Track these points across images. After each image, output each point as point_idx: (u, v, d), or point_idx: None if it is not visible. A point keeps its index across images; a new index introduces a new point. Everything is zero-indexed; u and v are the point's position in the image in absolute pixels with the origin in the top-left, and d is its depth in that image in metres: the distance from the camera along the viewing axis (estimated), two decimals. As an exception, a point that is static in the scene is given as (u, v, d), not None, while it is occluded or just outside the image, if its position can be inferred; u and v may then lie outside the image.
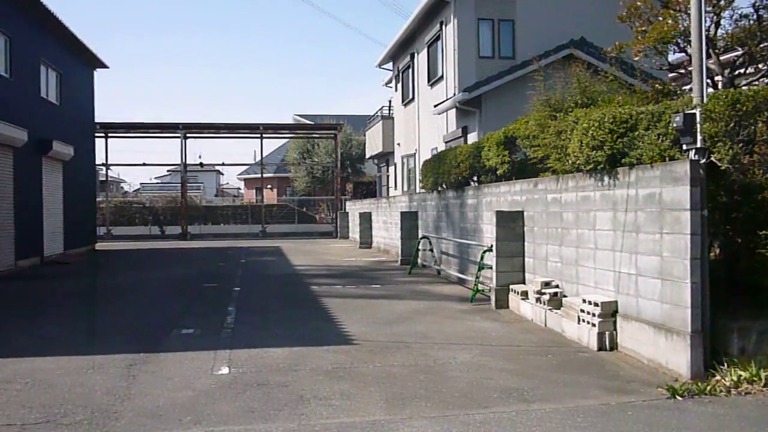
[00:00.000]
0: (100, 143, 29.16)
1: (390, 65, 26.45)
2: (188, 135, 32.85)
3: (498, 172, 11.33)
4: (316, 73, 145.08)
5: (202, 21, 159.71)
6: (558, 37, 17.21)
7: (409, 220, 17.02)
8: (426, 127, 21.26)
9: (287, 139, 45.79)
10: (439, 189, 15.02)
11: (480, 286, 10.90)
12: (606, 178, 7.48)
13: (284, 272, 15.87)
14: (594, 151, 7.45)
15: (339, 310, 10.00)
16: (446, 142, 18.72)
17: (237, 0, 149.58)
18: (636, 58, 9.15)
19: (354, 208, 29.06)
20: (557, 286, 8.66)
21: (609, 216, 7.43)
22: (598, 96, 9.28)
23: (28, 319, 9.77)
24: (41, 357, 7.07)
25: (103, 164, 32.44)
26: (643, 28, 8.82)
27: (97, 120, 26.36)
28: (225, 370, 6.43)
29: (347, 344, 7.58)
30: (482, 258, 10.74)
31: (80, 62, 23.24)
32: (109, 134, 32.47)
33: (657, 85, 8.82)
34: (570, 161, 8.14)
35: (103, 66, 24.86)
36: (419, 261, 15.94)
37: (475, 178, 13.02)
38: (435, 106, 18.78)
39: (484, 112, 17.05)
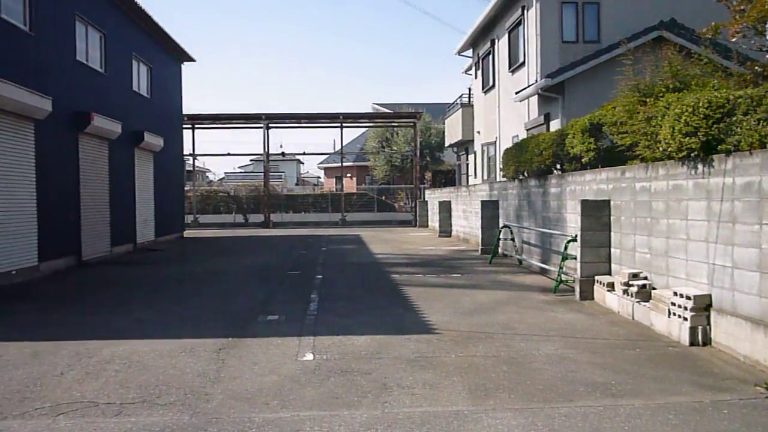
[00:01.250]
0: (187, 134, 30.17)
1: (470, 52, 26.16)
2: (270, 125, 33.57)
3: (583, 160, 11.04)
4: (395, 61, 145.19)
5: (282, 13, 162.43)
6: (646, 19, 16.57)
7: (489, 209, 16.84)
8: (507, 114, 20.95)
9: (366, 128, 46.14)
10: (521, 177, 14.78)
11: (563, 277, 10.69)
12: (700, 166, 7.16)
13: (365, 260, 16.02)
14: (687, 138, 7.14)
15: (420, 298, 10.02)
16: (528, 130, 18.38)
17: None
18: (733, 39, 8.66)
19: (433, 197, 29.00)
20: (645, 278, 8.38)
21: (703, 206, 7.11)
22: (691, 80, 8.86)
23: (125, 302, 10.25)
24: (137, 339, 7.41)
25: (190, 154, 33.58)
26: (742, 7, 8.35)
27: (184, 112, 27.30)
28: (309, 357, 6.56)
29: (429, 333, 7.59)
30: (566, 248, 10.51)
31: (169, 56, 24.11)
32: (196, 125, 33.59)
33: (756, 68, 8.33)
34: (660, 148, 7.84)
35: (191, 59, 25.72)
36: (500, 250, 15.77)
37: (558, 167, 12.74)
38: (516, 93, 18.47)
39: (567, 99, 16.63)
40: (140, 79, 20.76)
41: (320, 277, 12.85)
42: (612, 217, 9.65)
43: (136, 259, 17.24)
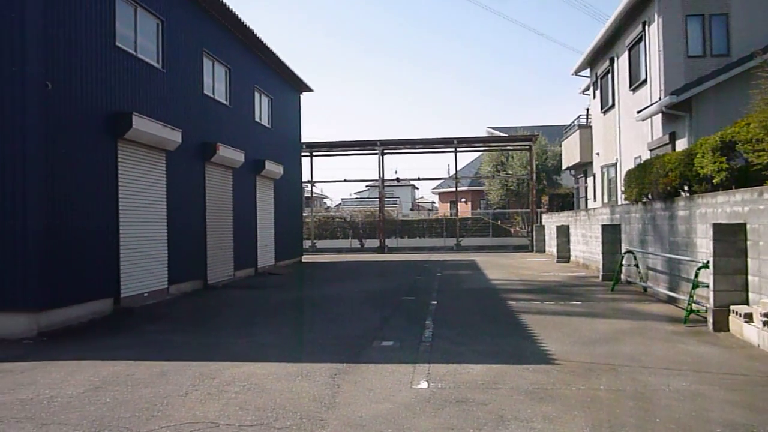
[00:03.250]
0: (305, 161, 31.13)
1: (587, 72, 25.43)
2: (385, 151, 34.04)
3: (714, 181, 10.34)
4: (510, 84, 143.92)
5: (394, 41, 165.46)
6: (782, 30, 15.46)
7: (610, 234, 16.15)
8: (628, 134, 20.11)
9: (481, 152, 45.81)
10: (644, 200, 14.07)
11: (694, 306, 10.00)
12: None
13: (480, 286, 15.76)
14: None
15: (538, 326, 9.69)
16: (651, 150, 17.54)
17: (426, 15, 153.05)
18: None
19: (550, 221, 28.24)
20: (789, 309, 7.67)
21: None
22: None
23: (246, 325, 10.60)
24: (256, 362, 7.59)
25: (308, 181, 34.60)
26: None
27: (302, 140, 28.21)
28: (424, 385, 6.46)
29: (548, 364, 7.29)
30: (697, 275, 9.84)
31: (289, 87, 25.06)
32: (314, 153, 34.62)
33: None
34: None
35: (309, 89, 26.61)
36: (623, 277, 15.04)
37: (686, 188, 12.01)
38: (638, 112, 17.70)
39: (694, 116, 15.74)
40: (261, 109, 21.69)
41: (435, 303, 12.75)
42: (749, 242, 8.94)
43: (257, 283, 17.84)
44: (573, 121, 28.72)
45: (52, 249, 9.89)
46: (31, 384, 6.81)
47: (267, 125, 22.25)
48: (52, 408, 5.94)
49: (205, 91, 16.60)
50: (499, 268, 21.30)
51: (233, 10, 17.15)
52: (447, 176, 47.86)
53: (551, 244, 26.78)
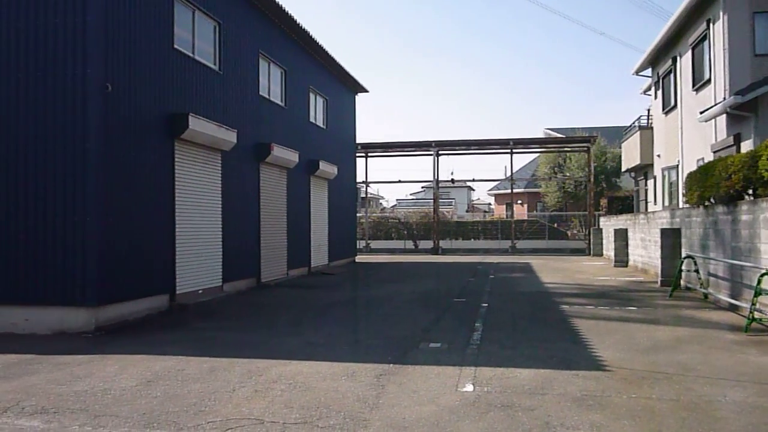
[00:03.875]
0: (360, 162, 31.29)
1: (648, 71, 24.75)
2: (440, 152, 33.92)
3: (779, 185, 9.90)
4: (568, 85, 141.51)
5: (450, 42, 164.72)
6: None
7: (670, 238, 15.66)
8: (690, 136, 19.48)
9: (537, 154, 45.20)
10: (706, 204, 13.59)
11: (756, 315, 9.60)
12: None
13: (533, 290, 15.52)
14: None
15: (590, 332, 9.46)
16: (714, 152, 16.93)
17: (483, 18, 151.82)
18: None
19: (608, 224, 27.61)
20: None
21: None
22: None
23: (296, 324, 10.70)
24: (303, 360, 7.64)
25: (363, 182, 34.75)
26: None
27: (357, 140, 28.34)
28: (469, 388, 6.37)
29: (599, 370, 7.10)
30: (759, 282, 9.44)
31: (344, 88, 25.22)
32: (369, 153, 34.76)
33: None
34: None
35: (364, 90, 26.73)
36: (682, 283, 14.57)
37: (750, 192, 11.54)
38: (701, 112, 17.11)
39: (761, 117, 15.11)
40: (316, 110, 21.89)
41: (486, 305, 12.61)
42: (816, 249, 8.52)
43: (310, 282, 18.00)
44: (633, 122, 28.01)
45: (110, 247, 10.18)
46: (87, 376, 7.02)
47: (322, 126, 22.43)
48: (105, 400, 6.10)
49: (260, 92, 16.84)
50: (554, 271, 20.94)
51: (290, 12, 17.35)
52: (503, 178, 47.40)
53: (609, 248, 26.19)
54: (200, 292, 13.27)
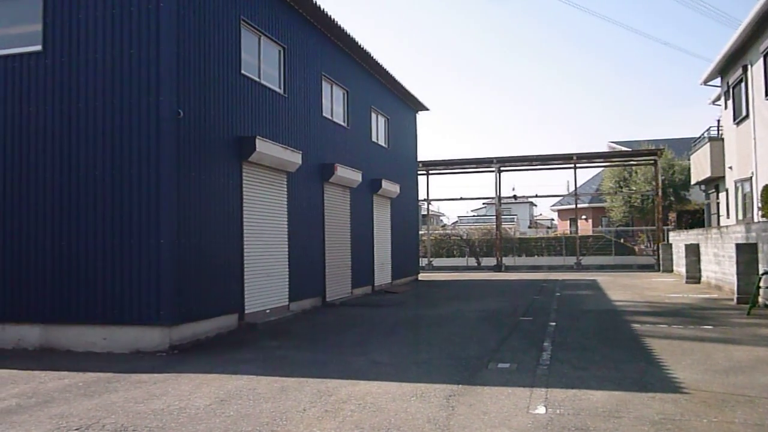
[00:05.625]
0: (421, 179, 31.32)
1: (717, 81, 24.02)
2: (502, 169, 33.67)
3: None
4: (632, 96, 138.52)
5: (510, 56, 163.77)
6: None
7: (746, 253, 15.07)
8: (764, 146, 18.77)
9: (602, 168, 44.32)
10: (785, 217, 13.05)
11: (844, 334, 9.13)
12: None
13: (602, 308, 15.17)
14: None
15: (664, 352, 9.18)
16: (792, 163, 16.27)
17: (541, 33, 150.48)
18: None
19: (678, 239, 26.78)
20: None
21: None
22: None
23: (362, 343, 10.75)
24: (372, 381, 7.68)
25: (424, 199, 34.76)
26: None
27: (418, 158, 28.41)
28: (541, 410, 6.27)
29: (676, 392, 6.88)
30: None
31: (404, 106, 25.39)
32: (430, 171, 34.80)
33: None
34: None
35: (424, 109, 26.84)
36: (760, 300, 13.99)
37: (833, 205, 11.03)
38: (776, 122, 16.48)
39: (842, 126, 14.46)
40: (378, 129, 22.09)
41: (554, 324, 12.39)
42: None
43: (374, 301, 18.06)
44: (702, 133, 27.16)
45: (183, 267, 10.49)
46: (163, 395, 7.23)
47: (383, 145, 22.61)
48: (181, 419, 6.27)
49: (323, 114, 17.12)
50: (623, 288, 20.42)
51: (351, 35, 17.64)
52: (566, 193, 46.63)
53: (679, 264, 25.38)
54: (268, 311, 13.50)
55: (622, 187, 39.91)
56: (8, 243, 10.91)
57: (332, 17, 16.32)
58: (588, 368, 8.21)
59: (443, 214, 68.66)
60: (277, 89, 14.54)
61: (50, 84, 10.81)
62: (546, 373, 7.91)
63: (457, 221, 58.83)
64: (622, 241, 37.90)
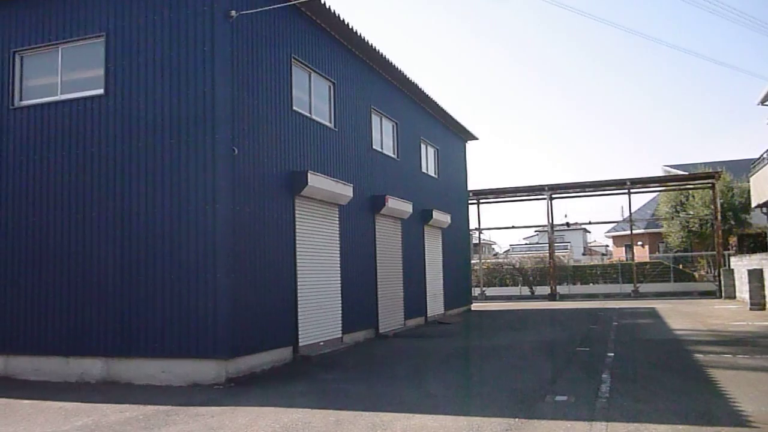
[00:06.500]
0: (472, 208, 31.20)
1: (776, 102, 23.42)
2: (554, 196, 33.31)
3: None
4: (686, 118, 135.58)
5: (556, 83, 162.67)
6: None
7: (813, 279, 14.50)
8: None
9: (657, 193, 43.37)
10: None
11: None
12: None
13: (662, 337, 14.75)
14: None
15: (730, 383, 8.86)
16: None
17: (593, 51, 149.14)
18: None
19: (740, 264, 25.92)
20: None
21: None
22: None
23: (416, 375, 10.70)
24: (426, 414, 7.61)
25: (475, 229, 34.57)
26: None
27: (468, 187, 28.35)
28: (602, 444, 6.12)
29: (744, 426, 6.62)
30: None
31: (454, 136, 25.46)
32: (481, 200, 34.65)
33: None
34: None
35: (474, 138, 26.85)
36: (831, 327, 13.40)
37: None
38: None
39: None
40: (428, 160, 22.18)
41: (612, 354, 12.10)
42: None
43: (427, 332, 17.96)
44: (762, 154, 26.37)
45: (238, 301, 10.66)
46: (220, 428, 7.32)
47: (433, 175, 22.66)
48: (239, 452, 6.33)
49: (374, 146, 17.31)
50: (683, 316, 19.82)
51: (399, 67, 17.85)
52: (621, 219, 45.74)
53: (742, 290, 24.52)
54: (321, 343, 13.56)
55: (679, 212, 38.93)
56: (73, 280, 11.29)
57: (381, 51, 16.58)
58: (650, 401, 7.98)
59: (495, 243, 68.07)
60: (328, 123, 14.79)
61: (111, 125, 11.25)
62: (606, 406, 7.72)
63: (509, 249, 58.18)
64: (680, 267, 36.85)
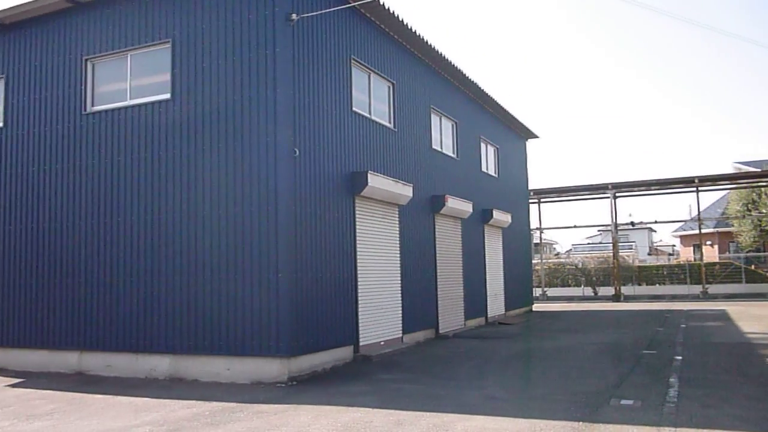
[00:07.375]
0: (533, 208, 30.78)
1: None
2: (618, 194, 32.56)
3: None
4: (757, 112, 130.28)
5: (624, 79, 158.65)
6: None
7: None
8: None
9: (727, 191, 41.86)
10: None
11: None
12: None
13: (733, 340, 14.23)
14: None
15: (807, 390, 8.49)
16: None
17: (665, 46, 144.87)
18: None
19: (818, 266, 24.77)
20: None
21: None
22: None
23: (476, 376, 10.62)
24: (487, 416, 7.56)
25: (536, 228, 34.09)
26: None
27: (529, 186, 27.99)
28: (670, 451, 5.95)
29: (822, 435, 6.34)
30: None
31: (514, 135, 25.18)
32: (542, 199, 34.15)
33: None
34: None
35: (534, 136, 26.48)
36: None
37: None
38: None
39: None
40: (488, 159, 21.99)
41: (680, 358, 11.75)
42: None
43: (487, 333, 17.81)
44: (841, 151, 25.17)
45: (300, 300, 10.82)
46: (282, 425, 7.44)
47: (494, 175, 22.46)
48: (301, 450, 6.42)
49: (433, 146, 17.27)
50: (756, 319, 19.06)
51: (458, 66, 17.76)
52: (688, 218, 44.36)
53: (821, 293, 23.43)
54: (382, 343, 13.62)
55: (750, 210, 37.49)
56: (142, 279, 11.66)
57: (440, 51, 16.53)
58: (720, 406, 7.71)
59: (556, 242, 66.99)
60: (387, 124, 14.84)
61: (177, 129, 11.58)
62: (674, 411, 7.50)
63: (571, 249, 57.16)
64: (752, 267, 35.47)
